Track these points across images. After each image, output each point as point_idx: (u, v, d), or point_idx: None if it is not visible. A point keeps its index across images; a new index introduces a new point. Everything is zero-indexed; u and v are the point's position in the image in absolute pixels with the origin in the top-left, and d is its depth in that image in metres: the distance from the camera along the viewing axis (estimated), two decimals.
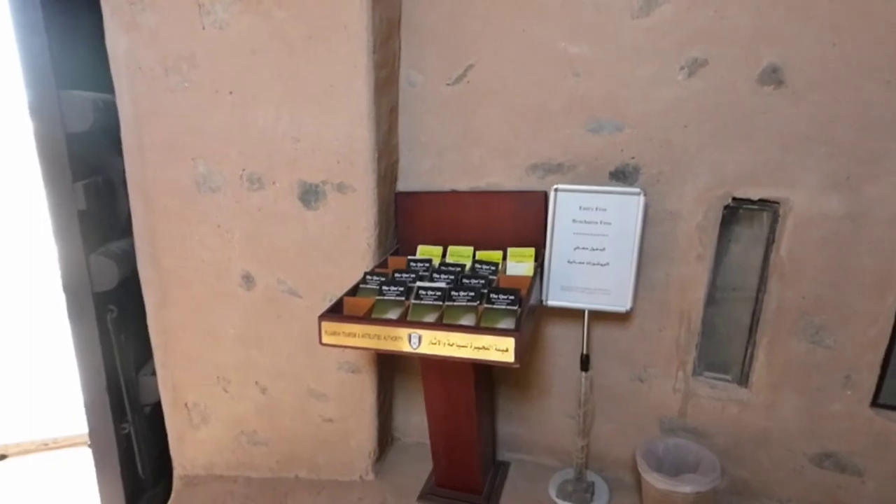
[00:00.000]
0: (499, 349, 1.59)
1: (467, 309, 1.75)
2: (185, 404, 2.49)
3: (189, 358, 2.43)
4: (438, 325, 1.66)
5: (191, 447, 2.57)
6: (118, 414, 2.40)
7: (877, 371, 1.91)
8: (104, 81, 2.12)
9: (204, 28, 2.03)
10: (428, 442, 2.63)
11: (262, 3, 1.95)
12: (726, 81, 1.86)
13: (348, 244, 2.17)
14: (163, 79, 2.10)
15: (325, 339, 1.78)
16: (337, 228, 2.16)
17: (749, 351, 2.10)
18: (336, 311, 1.83)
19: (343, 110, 2.03)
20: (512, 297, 1.74)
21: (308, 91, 2.04)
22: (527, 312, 1.71)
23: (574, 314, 2.20)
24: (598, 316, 2.14)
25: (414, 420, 2.67)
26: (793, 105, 1.81)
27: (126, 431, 2.44)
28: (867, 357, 1.91)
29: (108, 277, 2.21)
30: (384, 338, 1.70)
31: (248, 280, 2.29)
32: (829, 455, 2.04)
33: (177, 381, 2.47)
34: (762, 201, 1.93)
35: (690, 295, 2.08)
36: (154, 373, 2.48)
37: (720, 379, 2.18)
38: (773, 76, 1.81)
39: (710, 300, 2.10)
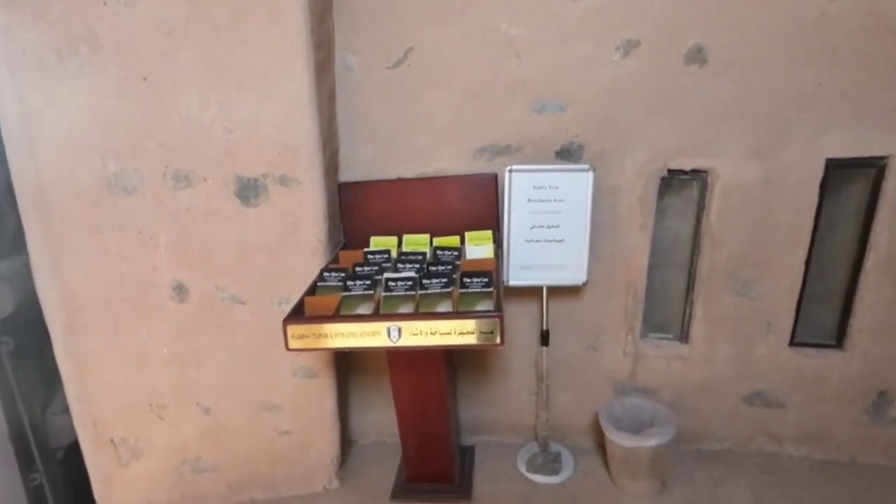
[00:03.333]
0: (483, 332, 1.58)
1: (442, 296, 1.71)
2: (111, 440, 2.17)
3: (111, 387, 2.12)
4: (423, 314, 1.60)
5: (120, 488, 2.25)
6: (25, 463, 2.04)
7: (793, 315, 2.19)
8: None
9: (105, 4, 1.75)
10: (387, 440, 2.58)
11: None
12: (658, 61, 1.99)
13: (296, 241, 2.02)
14: (56, 64, 1.79)
15: (293, 344, 1.64)
16: (282, 225, 2.00)
17: (687, 310, 2.29)
18: (298, 314, 1.70)
19: (281, 96, 1.87)
20: (486, 280, 1.73)
21: (238, 76, 1.85)
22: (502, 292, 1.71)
23: (528, 292, 2.25)
24: (552, 291, 2.21)
25: (370, 419, 2.58)
26: (715, 82, 1.98)
27: (36, 483, 2.08)
28: (784, 304, 2.17)
29: (1, 304, 1.85)
30: (360, 335, 1.61)
31: (179, 290, 2.04)
32: (757, 394, 2.31)
33: (98, 416, 2.14)
34: (693, 171, 2.11)
35: (635, 263, 2.22)
36: (66, 410, 2.13)
37: (664, 338, 2.36)
38: (697, 56, 1.97)
39: (651, 267, 2.26)
